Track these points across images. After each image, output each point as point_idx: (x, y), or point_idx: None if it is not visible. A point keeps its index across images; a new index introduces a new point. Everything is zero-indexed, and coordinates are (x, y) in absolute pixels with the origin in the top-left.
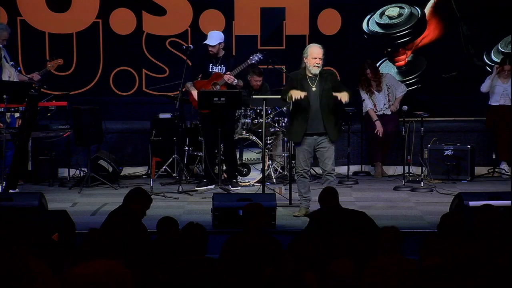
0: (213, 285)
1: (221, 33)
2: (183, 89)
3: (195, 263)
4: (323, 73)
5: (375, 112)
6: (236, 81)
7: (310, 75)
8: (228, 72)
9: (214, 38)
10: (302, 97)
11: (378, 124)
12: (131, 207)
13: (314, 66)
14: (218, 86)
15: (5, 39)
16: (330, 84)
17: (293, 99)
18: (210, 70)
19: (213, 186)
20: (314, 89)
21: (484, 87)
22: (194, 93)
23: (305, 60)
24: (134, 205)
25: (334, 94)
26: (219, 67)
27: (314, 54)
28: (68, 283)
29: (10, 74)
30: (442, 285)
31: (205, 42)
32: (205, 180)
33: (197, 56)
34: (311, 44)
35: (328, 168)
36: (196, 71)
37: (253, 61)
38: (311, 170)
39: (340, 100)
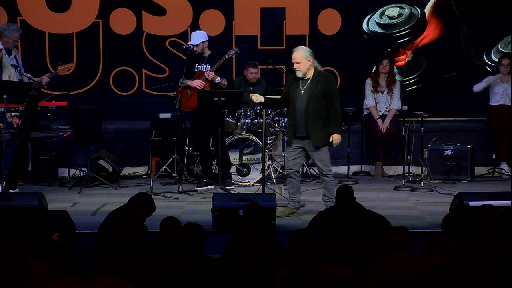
0: (213, 284)
1: (204, 32)
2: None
3: (194, 262)
4: (316, 75)
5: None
6: (219, 78)
7: (301, 78)
8: (209, 69)
9: (197, 37)
10: (255, 100)
11: (379, 122)
12: (134, 209)
13: (295, 70)
14: None
15: (16, 40)
16: (321, 89)
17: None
18: (195, 70)
19: (213, 186)
20: (302, 91)
21: (476, 88)
22: (192, 82)
23: None
24: (137, 207)
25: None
26: (204, 66)
27: (292, 59)
28: None
29: (10, 74)
30: (442, 285)
31: (189, 43)
32: (205, 180)
33: (188, 58)
34: (294, 48)
35: (320, 170)
36: (186, 72)
37: (230, 55)
38: (310, 170)
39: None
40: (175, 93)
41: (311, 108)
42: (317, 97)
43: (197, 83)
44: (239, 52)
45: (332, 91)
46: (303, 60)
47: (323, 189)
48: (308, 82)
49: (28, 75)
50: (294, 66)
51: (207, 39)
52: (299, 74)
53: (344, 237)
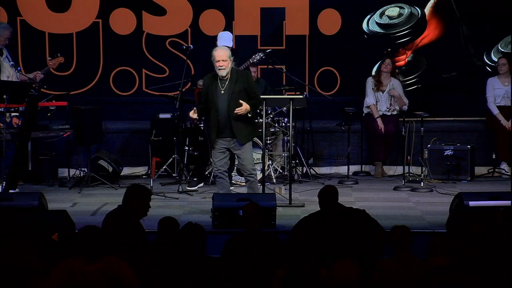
0: (213, 284)
1: (230, 34)
2: (183, 89)
3: (195, 262)
4: (233, 74)
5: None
6: None
7: (220, 77)
8: None
9: (229, 39)
10: (196, 116)
11: (379, 121)
12: (131, 205)
13: (219, 69)
14: None
15: (7, 38)
16: (241, 86)
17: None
18: None
19: (201, 185)
20: (223, 91)
21: (489, 105)
22: None
23: (214, 64)
24: (133, 203)
25: (238, 110)
26: None
27: (217, 57)
28: (70, 278)
29: (10, 74)
30: (448, 285)
31: (224, 45)
32: (195, 179)
33: (203, 56)
34: (215, 48)
35: (246, 170)
36: (206, 70)
37: (255, 60)
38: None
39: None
40: (192, 89)
41: (233, 107)
42: (238, 95)
43: None
44: (263, 57)
45: (252, 85)
46: (227, 59)
47: (248, 189)
48: (227, 81)
49: (23, 73)
50: (220, 64)
51: None
52: (223, 73)
53: (334, 237)
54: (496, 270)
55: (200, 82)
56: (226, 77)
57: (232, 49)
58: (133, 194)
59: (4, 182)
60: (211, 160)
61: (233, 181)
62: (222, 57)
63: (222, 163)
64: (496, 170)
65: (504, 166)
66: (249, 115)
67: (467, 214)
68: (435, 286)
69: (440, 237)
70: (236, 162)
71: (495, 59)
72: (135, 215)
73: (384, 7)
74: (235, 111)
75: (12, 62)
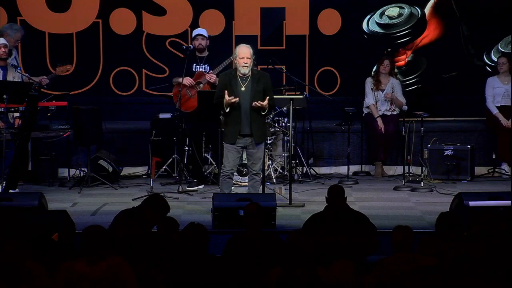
0: (215, 284)
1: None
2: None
3: (197, 262)
4: (255, 73)
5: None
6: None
7: (241, 75)
8: (210, 71)
9: (204, 31)
10: (234, 100)
11: (379, 120)
12: (145, 213)
13: (243, 66)
14: (201, 85)
15: (18, 40)
16: (261, 86)
17: (228, 106)
18: (194, 70)
19: (202, 186)
20: (243, 89)
21: (489, 105)
22: (185, 80)
23: (235, 61)
24: (148, 212)
25: (256, 103)
26: (203, 66)
27: (241, 54)
28: (71, 279)
29: (14, 75)
30: (437, 285)
31: (198, 33)
32: (195, 181)
33: (187, 57)
34: (239, 45)
35: (256, 169)
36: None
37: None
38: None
39: (261, 105)
40: (172, 93)
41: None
42: (259, 94)
43: (186, 81)
44: None
45: (270, 88)
46: (251, 57)
47: (250, 188)
48: (249, 79)
49: (26, 74)
50: (244, 61)
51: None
52: (246, 70)
53: (338, 237)
54: (494, 270)
55: (174, 79)
56: (247, 75)
57: (209, 49)
58: (151, 205)
59: (4, 182)
60: (210, 160)
61: (233, 181)
62: (246, 54)
63: (234, 164)
64: (496, 170)
65: (505, 166)
66: (262, 113)
67: (457, 213)
68: (435, 286)
69: (427, 236)
70: (239, 162)
71: (495, 59)
72: (146, 223)
73: (384, 7)
74: (253, 103)
75: (12, 62)
